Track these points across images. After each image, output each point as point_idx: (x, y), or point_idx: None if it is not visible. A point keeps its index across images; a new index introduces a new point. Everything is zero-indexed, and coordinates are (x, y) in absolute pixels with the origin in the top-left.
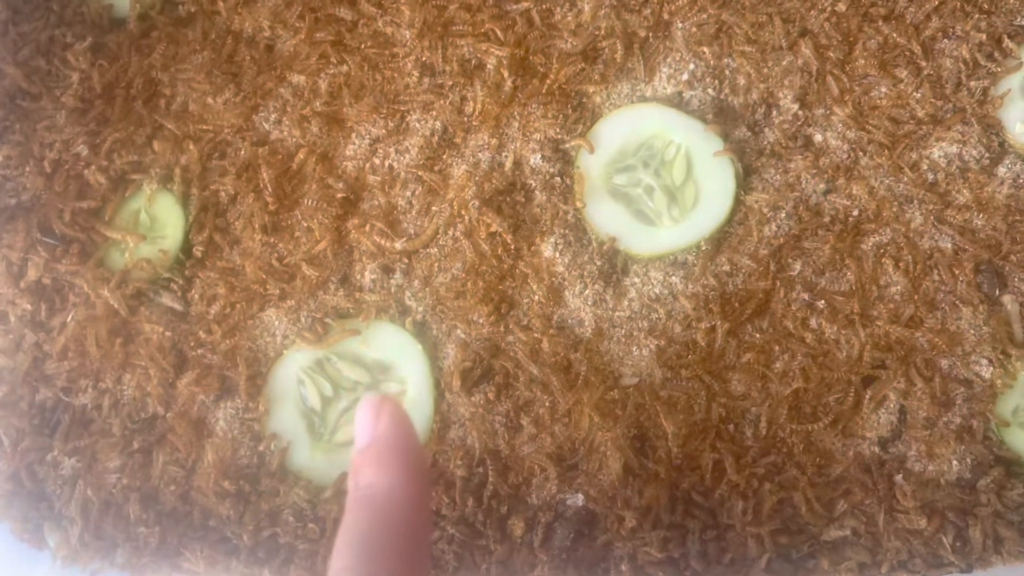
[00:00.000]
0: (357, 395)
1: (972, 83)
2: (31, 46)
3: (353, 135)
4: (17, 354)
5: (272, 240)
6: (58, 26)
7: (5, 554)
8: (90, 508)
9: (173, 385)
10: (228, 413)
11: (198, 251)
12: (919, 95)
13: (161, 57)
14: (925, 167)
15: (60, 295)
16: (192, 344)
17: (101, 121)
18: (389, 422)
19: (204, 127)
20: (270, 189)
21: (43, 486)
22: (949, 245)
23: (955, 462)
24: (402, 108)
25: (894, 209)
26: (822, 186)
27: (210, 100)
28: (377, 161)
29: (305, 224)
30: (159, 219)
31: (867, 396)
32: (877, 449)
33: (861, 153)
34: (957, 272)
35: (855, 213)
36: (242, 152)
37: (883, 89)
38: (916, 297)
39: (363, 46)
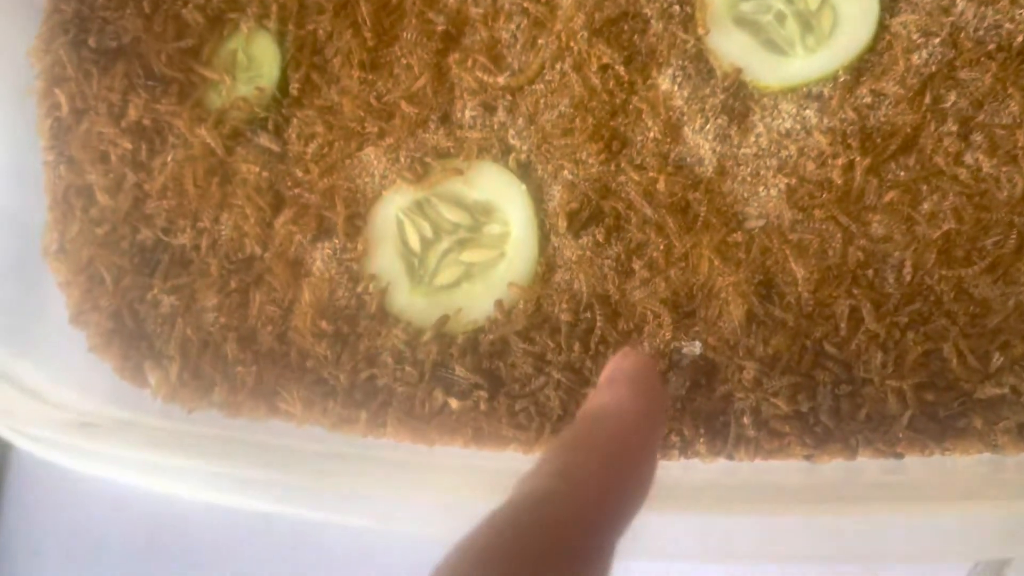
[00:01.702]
0: (458, 237)
1: None
2: None
3: None
4: (118, 194)
5: (370, 77)
6: None
7: (108, 392)
8: (189, 347)
9: (270, 225)
10: (326, 253)
11: (295, 89)
12: None
13: None
14: None
15: (160, 136)
16: (289, 184)
17: None
18: (631, 363)
19: None
20: (368, 24)
21: (143, 325)
22: None
23: None
24: None
25: None
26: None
27: None
28: None
29: (404, 60)
30: (256, 58)
31: None
32: None
33: None
34: None
35: (1021, 39)
36: None
37: None
38: None
39: None
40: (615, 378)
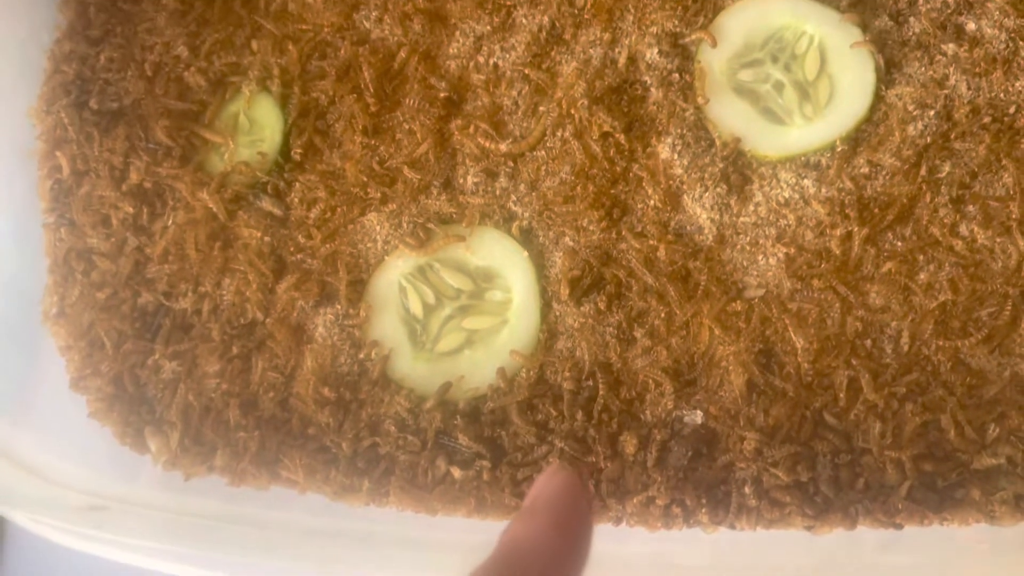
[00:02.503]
0: (460, 303)
1: None
2: None
3: (456, 32)
4: (119, 258)
5: (373, 142)
6: None
7: (107, 458)
8: (190, 413)
9: (272, 290)
10: (328, 319)
11: (297, 153)
12: None
13: None
14: None
15: (161, 199)
16: (291, 249)
17: (201, 22)
18: (557, 484)
19: (303, 27)
20: (371, 90)
21: (144, 390)
22: None
23: None
24: (508, 3)
25: None
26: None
27: None
28: (481, 59)
29: (407, 126)
30: (258, 121)
31: None
32: None
33: (1021, 43)
34: None
35: (1013, 110)
36: (342, 52)
37: None
38: None
39: None
40: (537, 507)
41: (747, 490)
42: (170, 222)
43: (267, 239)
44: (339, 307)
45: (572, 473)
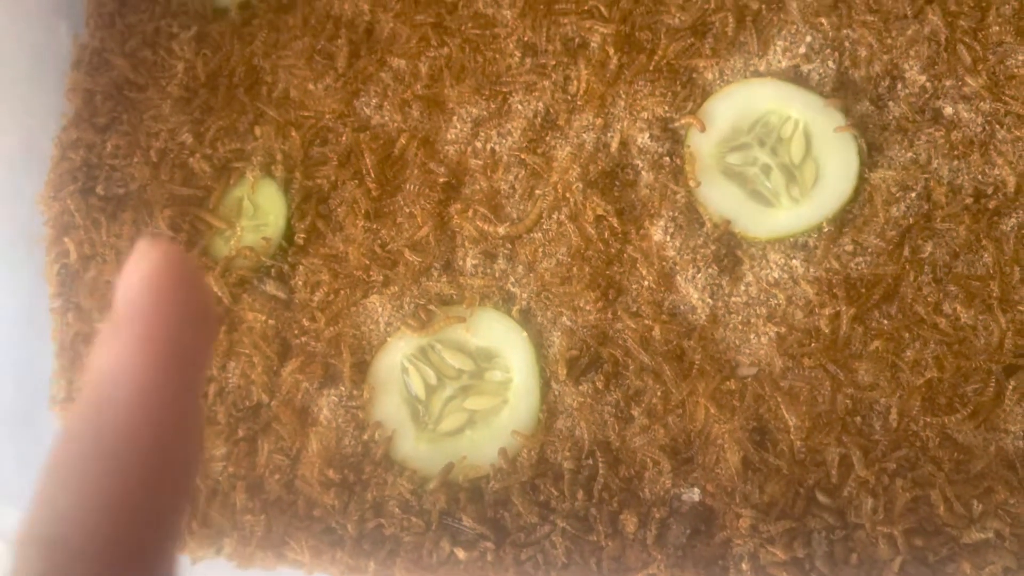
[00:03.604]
0: (462, 383)
1: None
2: (138, 37)
3: (454, 118)
4: None
5: (375, 226)
6: (163, 17)
7: None
8: (197, 496)
9: (277, 373)
10: (332, 401)
11: (300, 238)
12: None
13: (262, 44)
14: None
15: None
16: (296, 332)
17: (205, 110)
18: (144, 275)
19: (305, 113)
20: (372, 175)
21: None
22: None
23: None
24: (504, 90)
25: None
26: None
27: (311, 86)
28: (479, 145)
29: (407, 210)
30: (262, 207)
31: (1010, 386)
32: (1022, 444)
33: (998, 126)
34: None
35: (991, 191)
36: (343, 138)
37: (1020, 57)
38: None
39: (464, 27)
40: (122, 315)
41: (744, 566)
42: None
43: (271, 322)
44: (343, 389)
45: (166, 250)
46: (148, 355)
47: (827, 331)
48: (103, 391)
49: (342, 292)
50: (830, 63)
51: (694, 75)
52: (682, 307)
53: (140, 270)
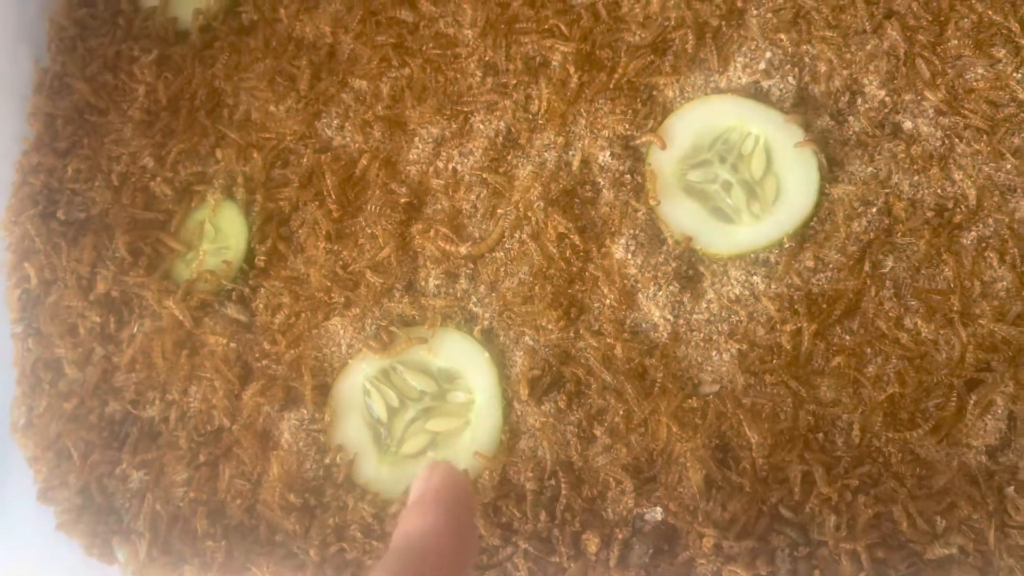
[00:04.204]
0: (424, 405)
1: None
2: (99, 61)
3: (416, 139)
4: (87, 367)
5: (336, 248)
6: (124, 40)
7: (76, 570)
8: (158, 522)
9: (238, 396)
10: (293, 424)
11: (261, 260)
12: (1019, 75)
13: (224, 67)
14: None
15: (128, 307)
16: (257, 355)
17: (166, 133)
18: (440, 478)
19: (267, 135)
20: (333, 196)
21: (112, 500)
22: None
23: None
24: (465, 109)
25: (995, 199)
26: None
27: (272, 108)
28: (440, 164)
29: (369, 231)
30: (223, 229)
31: (971, 401)
32: (984, 459)
33: (957, 140)
34: None
35: (952, 205)
36: (305, 159)
37: (979, 71)
38: None
39: (425, 48)
40: (426, 499)
41: None
42: (137, 330)
43: (233, 345)
44: (304, 412)
45: (453, 466)
46: (448, 528)
47: (789, 347)
48: (411, 550)
49: (303, 314)
50: (790, 79)
51: (654, 92)
52: (644, 325)
53: (441, 469)
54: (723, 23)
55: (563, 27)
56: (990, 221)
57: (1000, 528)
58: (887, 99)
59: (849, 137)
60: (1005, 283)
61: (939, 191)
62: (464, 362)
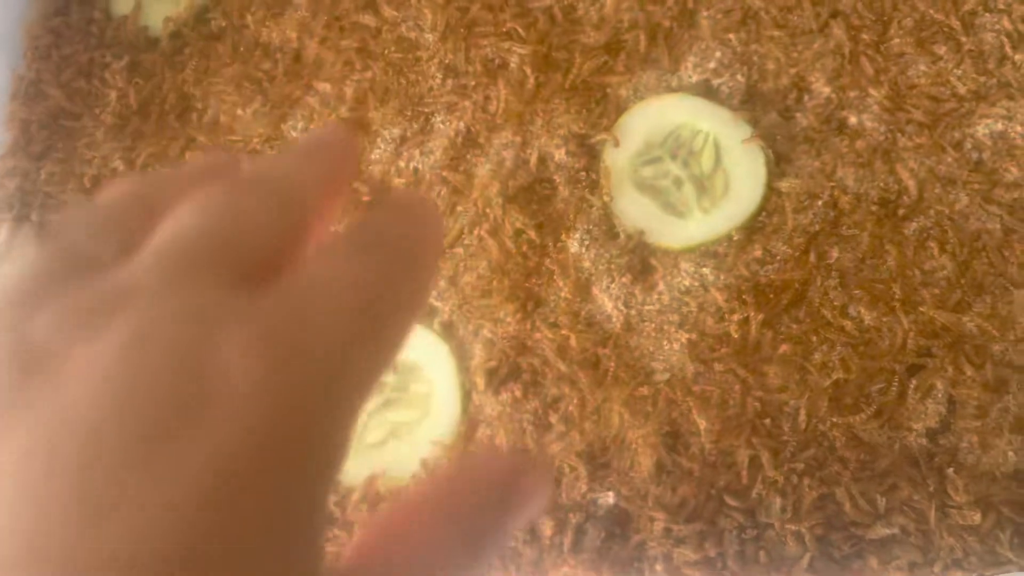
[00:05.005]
0: (386, 396)
1: (1017, 56)
2: (73, 68)
3: (378, 139)
4: None
5: None
6: (98, 48)
7: None
8: None
9: None
10: None
11: None
12: (960, 72)
13: (193, 72)
14: (969, 146)
15: None
16: None
17: (137, 136)
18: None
19: (234, 138)
20: None
21: None
22: (998, 226)
23: (1011, 453)
24: (426, 110)
25: (936, 191)
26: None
27: (240, 111)
28: (402, 164)
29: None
30: None
31: (912, 385)
32: (925, 441)
33: (899, 134)
34: (1007, 254)
35: (895, 197)
36: None
37: (921, 67)
38: (963, 281)
39: (387, 51)
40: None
41: (659, 567)
42: None
43: None
44: None
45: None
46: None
47: (737, 336)
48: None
49: None
50: (739, 77)
51: (608, 92)
52: (598, 316)
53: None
54: (675, 24)
55: (520, 30)
56: (931, 212)
57: (940, 508)
58: (833, 96)
59: (796, 133)
60: (946, 272)
61: (882, 184)
62: (424, 355)
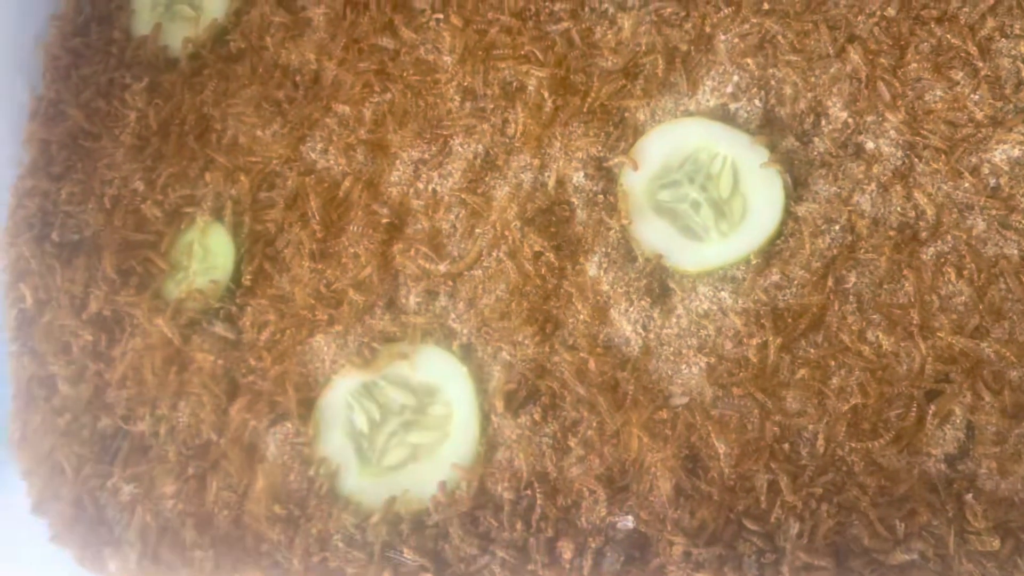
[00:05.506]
0: (404, 418)
1: None
2: (92, 89)
3: (397, 161)
4: (79, 383)
5: (320, 267)
6: (117, 68)
7: None
8: (148, 533)
9: (225, 411)
10: (278, 438)
11: (248, 280)
12: (977, 97)
13: (212, 93)
14: (986, 171)
15: (119, 326)
16: (243, 371)
17: (157, 157)
18: None
19: (253, 159)
20: (317, 217)
21: (104, 512)
22: (1015, 251)
23: None
24: (445, 133)
25: (954, 216)
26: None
27: (259, 132)
28: (421, 186)
29: (351, 250)
30: (211, 249)
31: (931, 411)
32: (944, 467)
33: (916, 159)
34: None
35: (912, 222)
36: (290, 182)
37: (938, 92)
38: (981, 307)
39: (405, 74)
40: None
41: None
42: (128, 348)
43: (220, 362)
44: (289, 426)
45: None
46: None
47: (755, 360)
48: None
49: (288, 332)
50: (756, 101)
51: (626, 115)
52: (616, 339)
53: None
54: (692, 48)
55: (538, 53)
56: (948, 238)
57: (959, 534)
58: (850, 120)
59: (813, 157)
60: (963, 297)
61: (900, 209)
62: (443, 377)
